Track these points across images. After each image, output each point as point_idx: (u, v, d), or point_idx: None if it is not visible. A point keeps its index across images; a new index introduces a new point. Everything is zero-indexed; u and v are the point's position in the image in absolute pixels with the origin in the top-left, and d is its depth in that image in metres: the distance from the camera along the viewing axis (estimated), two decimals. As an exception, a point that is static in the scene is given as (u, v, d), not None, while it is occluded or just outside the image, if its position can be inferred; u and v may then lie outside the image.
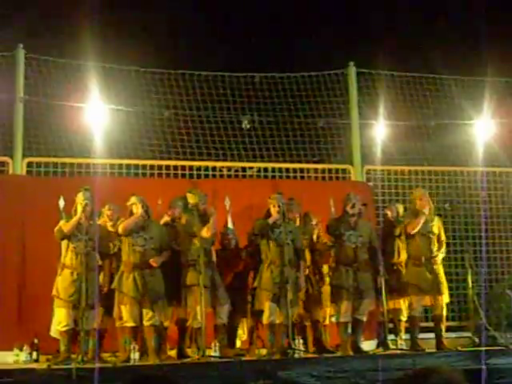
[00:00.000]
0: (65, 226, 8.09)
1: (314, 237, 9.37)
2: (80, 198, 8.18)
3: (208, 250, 8.44)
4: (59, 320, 7.97)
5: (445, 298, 9.05)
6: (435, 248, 9.04)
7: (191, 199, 8.60)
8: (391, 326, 9.31)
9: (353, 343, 8.64)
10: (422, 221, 8.91)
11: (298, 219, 9.24)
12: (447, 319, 11.17)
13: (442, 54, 13.01)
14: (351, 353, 8.47)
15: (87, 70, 10.57)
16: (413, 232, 8.91)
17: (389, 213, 9.59)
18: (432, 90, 12.29)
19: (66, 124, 10.33)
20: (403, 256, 9.19)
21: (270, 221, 8.58)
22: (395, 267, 9.23)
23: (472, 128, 11.80)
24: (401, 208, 9.88)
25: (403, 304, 9.18)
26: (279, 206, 8.56)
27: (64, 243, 8.13)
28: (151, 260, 8.11)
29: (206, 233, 8.33)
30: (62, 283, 7.98)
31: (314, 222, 9.39)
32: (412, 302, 8.92)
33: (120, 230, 8.17)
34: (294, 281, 8.46)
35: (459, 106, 12.06)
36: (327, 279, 9.11)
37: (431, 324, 9.23)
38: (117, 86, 10.77)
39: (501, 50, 12.61)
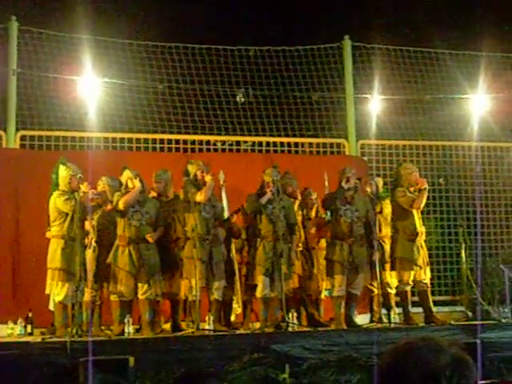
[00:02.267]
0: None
1: (313, 211, 9.37)
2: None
3: (207, 224, 8.41)
4: (63, 292, 7.93)
5: (429, 272, 9.12)
6: (421, 222, 9.10)
7: (190, 169, 8.57)
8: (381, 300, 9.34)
9: (346, 317, 8.68)
10: (426, 197, 8.99)
11: (298, 193, 9.22)
12: (440, 294, 11.27)
13: (437, 27, 12.98)
14: (345, 326, 8.50)
15: (81, 42, 10.49)
16: (420, 209, 8.98)
17: (368, 189, 9.43)
18: (427, 64, 12.24)
19: (60, 97, 10.27)
20: (385, 231, 9.19)
21: (263, 200, 8.56)
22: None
23: (467, 102, 11.78)
24: (380, 182, 9.81)
25: (389, 278, 9.18)
26: (273, 182, 8.54)
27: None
28: (147, 235, 8.11)
29: (199, 196, 8.28)
30: (61, 255, 7.95)
31: (313, 197, 9.38)
32: (404, 276, 8.92)
33: (121, 206, 8.12)
34: (287, 255, 8.48)
35: (454, 81, 12.02)
36: (323, 253, 9.11)
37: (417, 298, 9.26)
38: (110, 59, 10.70)
39: (496, 24, 12.58)
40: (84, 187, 8.00)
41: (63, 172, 8.15)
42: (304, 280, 9.16)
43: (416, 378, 1.78)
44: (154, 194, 8.78)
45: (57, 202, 8.05)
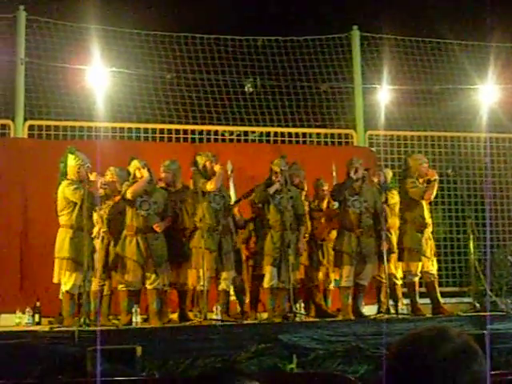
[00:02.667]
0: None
1: (325, 202, 9.36)
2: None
3: (216, 214, 8.40)
4: (71, 282, 7.94)
5: (436, 263, 9.12)
6: (429, 214, 9.09)
7: (199, 160, 8.57)
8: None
9: (354, 307, 8.67)
10: (436, 188, 8.98)
11: (305, 184, 9.21)
12: (448, 285, 11.26)
13: (446, 18, 12.90)
14: (352, 317, 8.50)
15: (89, 32, 10.48)
16: (430, 200, 8.98)
17: (376, 180, 9.40)
18: (436, 54, 12.20)
19: (68, 87, 10.27)
20: (392, 222, 9.17)
21: (271, 190, 8.55)
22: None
23: (476, 93, 11.73)
24: (390, 173, 9.76)
25: (394, 269, 9.16)
26: (281, 172, 8.54)
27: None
28: (155, 225, 8.12)
29: (210, 185, 8.28)
30: (70, 245, 7.96)
31: (325, 188, 9.38)
32: (411, 267, 8.91)
33: (129, 195, 8.13)
34: (294, 245, 8.48)
35: (463, 71, 11.97)
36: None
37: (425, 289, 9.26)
38: (118, 49, 10.69)
39: (506, 15, 12.49)
40: (93, 177, 8.00)
41: (72, 161, 8.15)
42: (311, 270, 9.16)
43: (420, 366, 1.77)
44: (162, 184, 8.78)
45: (65, 192, 8.05)
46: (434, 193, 9.04)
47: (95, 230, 8.41)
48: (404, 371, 1.79)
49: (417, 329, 1.88)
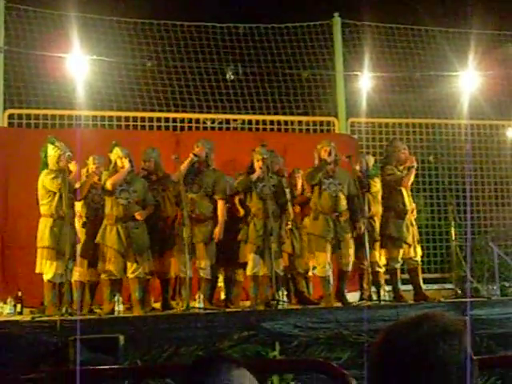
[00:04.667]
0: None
1: (299, 188, 9.34)
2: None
3: (193, 203, 8.37)
4: (52, 271, 7.90)
5: (419, 250, 9.15)
6: (411, 200, 9.11)
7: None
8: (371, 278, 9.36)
9: (337, 293, 8.69)
10: (413, 175, 9.00)
11: (285, 172, 9.18)
12: (430, 271, 11.31)
13: (427, 5, 12.92)
14: (334, 304, 8.52)
15: (68, 20, 10.39)
16: (408, 187, 8.99)
17: (357, 167, 9.38)
18: (417, 41, 12.21)
19: (48, 75, 10.19)
20: (374, 209, 9.18)
21: (253, 177, 8.54)
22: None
23: (457, 80, 11.75)
24: (371, 160, 9.73)
25: (378, 256, 9.19)
26: (263, 160, 8.51)
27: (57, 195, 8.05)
28: (136, 213, 8.09)
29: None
30: (50, 234, 7.92)
31: (297, 175, 9.36)
32: (393, 254, 8.94)
33: (109, 186, 8.08)
34: (277, 233, 8.46)
35: (444, 58, 11.99)
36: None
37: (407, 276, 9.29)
38: (98, 37, 10.62)
39: (486, 1, 12.53)
40: (72, 166, 7.96)
41: (51, 151, 8.11)
42: (293, 258, 9.16)
43: (399, 348, 1.78)
44: (144, 172, 8.73)
45: (44, 181, 8.02)
46: (411, 179, 9.05)
47: (77, 219, 8.37)
48: (388, 352, 1.79)
49: (406, 317, 1.89)
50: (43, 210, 8.03)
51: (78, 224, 8.36)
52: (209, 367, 1.96)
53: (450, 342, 1.78)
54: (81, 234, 8.40)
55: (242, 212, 8.72)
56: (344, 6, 12.07)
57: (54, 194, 7.98)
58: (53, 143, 8.14)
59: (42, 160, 8.22)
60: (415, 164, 9.04)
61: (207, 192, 8.46)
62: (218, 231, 8.36)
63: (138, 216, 8.09)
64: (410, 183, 9.08)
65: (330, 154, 8.69)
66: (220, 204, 8.51)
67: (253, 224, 8.50)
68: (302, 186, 9.31)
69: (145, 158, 8.77)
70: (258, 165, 8.56)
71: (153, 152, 8.79)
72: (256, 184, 8.56)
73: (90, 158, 8.66)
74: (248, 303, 8.77)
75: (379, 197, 9.26)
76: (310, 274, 9.31)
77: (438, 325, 1.80)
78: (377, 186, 9.27)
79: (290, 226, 9.03)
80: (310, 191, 9.01)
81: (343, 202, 8.67)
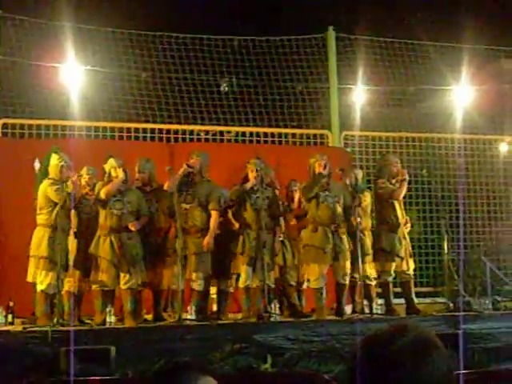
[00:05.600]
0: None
1: (296, 203, 9.34)
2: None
3: (187, 214, 8.36)
4: (47, 281, 7.88)
5: (412, 263, 9.15)
6: (403, 214, 9.12)
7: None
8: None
9: (337, 307, 8.69)
10: (405, 188, 9.02)
11: (276, 184, 9.18)
12: (422, 285, 11.31)
13: (421, 19, 12.99)
14: (326, 316, 8.51)
15: (63, 30, 10.40)
16: (399, 200, 9.00)
17: (348, 181, 9.37)
18: (411, 55, 12.26)
19: (42, 85, 10.19)
20: (365, 223, 9.18)
21: (247, 186, 8.54)
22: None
23: (450, 94, 11.81)
24: (360, 174, 9.73)
25: (369, 270, 9.19)
26: (257, 172, 8.53)
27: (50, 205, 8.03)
28: (130, 224, 8.07)
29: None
30: (48, 244, 7.90)
31: (294, 188, 9.36)
32: (385, 267, 8.94)
33: (102, 196, 8.07)
34: (270, 245, 8.46)
35: (438, 72, 12.04)
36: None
37: (399, 289, 9.29)
38: (93, 48, 10.64)
39: (480, 16, 12.61)
40: (74, 177, 7.98)
41: (55, 161, 8.10)
42: (285, 270, 9.14)
43: (379, 359, 1.78)
44: (138, 183, 8.72)
45: (47, 191, 7.99)
46: (403, 192, 9.06)
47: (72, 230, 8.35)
48: (366, 366, 1.80)
49: (384, 328, 1.90)
50: (42, 219, 8.00)
51: (71, 235, 8.33)
52: (175, 375, 1.95)
53: (427, 355, 1.78)
54: (73, 244, 8.36)
55: (236, 225, 8.71)
56: (338, 20, 12.16)
57: (55, 204, 7.96)
58: (56, 153, 8.13)
59: (43, 168, 8.22)
60: (407, 177, 9.06)
61: (201, 203, 8.45)
62: (207, 241, 8.30)
63: (131, 227, 8.07)
64: (402, 196, 9.10)
65: (324, 167, 8.71)
66: (213, 215, 8.49)
67: (246, 235, 8.51)
68: (299, 198, 9.31)
69: (139, 170, 8.75)
70: (252, 175, 8.57)
71: (147, 163, 8.77)
72: (250, 195, 8.57)
73: (84, 169, 8.63)
74: (240, 315, 8.75)
75: (369, 210, 9.28)
76: (305, 286, 9.31)
77: (414, 337, 1.80)
78: (366, 199, 9.29)
79: (281, 238, 9.03)
80: (306, 204, 9.03)
81: (340, 214, 8.69)
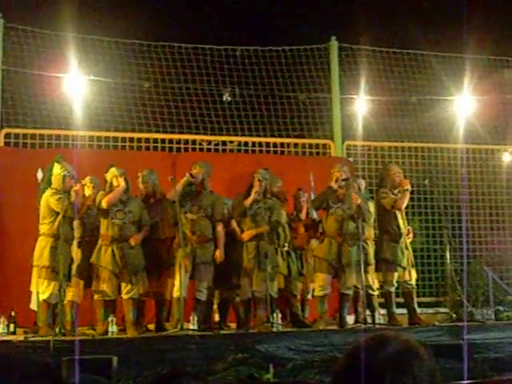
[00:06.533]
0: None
1: (304, 212, 9.34)
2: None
3: (193, 225, 8.36)
4: (49, 291, 7.88)
5: (414, 273, 9.13)
6: (406, 223, 9.11)
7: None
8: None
9: (340, 317, 8.68)
10: (408, 198, 9.00)
11: (284, 194, 9.18)
12: (424, 295, 11.29)
13: (423, 29, 13.01)
14: (327, 326, 8.51)
15: (66, 40, 10.44)
16: (402, 209, 8.98)
17: (351, 190, 9.36)
18: (413, 65, 12.28)
19: (45, 95, 10.22)
20: (367, 233, 9.18)
21: (247, 203, 8.53)
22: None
23: (452, 104, 11.82)
24: (362, 184, 9.74)
25: (372, 280, 9.18)
26: (259, 181, 8.53)
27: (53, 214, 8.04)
28: (131, 238, 8.06)
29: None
30: (50, 254, 7.90)
31: (303, 199, 9.36)
32: (388, 277, 8.92)
33: (104, 205, 8.06)
34: (272, 255, 8.45)
35: (440, 82, 12.06)
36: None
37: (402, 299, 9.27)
38: (96, 58, 10.67)
39: (482, 27, 12.62)
40: (77, 187, 7.99)
41: (58, 170, 8.10)
42: (289, 280, 9.14)
43: (356, 377, 1.77)
44: (141, 195, 8.70)
45: (50, 201, 7.99)
46: (406, 202, 9.05)
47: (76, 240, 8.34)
48: (349, 379, 1.79)
49: (367, 338, 1.89)
50: (44, 229, 8.00)
51: (75, 244, 8.33)
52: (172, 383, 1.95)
53: (410, 364, 1.78)
54: (76, 254, 8.36)
55: (240, 235, 8.70)
56: (341, 30, 12.16)
57: (57, 214, 7.96)
58: (59, 162, 8.13)
59: (45, 178, 8.22)
60: (409, 187, 9.05)
61: (206, 213, 8.45)
62: (219, 253, 8.35)
63: (132, 241, 8.06)
64: (404, 206, 9.08)
65: (336, 180, 8.73)
66: (219, 227, 8.50)
67: (245, 246, 8.53)
68: (307, 208, 9.32)
69: (143, 181, 8.73)
70: (255, 185, 8.58)
71: (151, 175, 8.76)
72: (251, 206, 8.57)
73: (87, 179, 8.61)
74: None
75: (371, 220, 9.27)
76: (309, 296, 9.31)
77: (395, 348, 1.80)
78: (369, 209, 9.28)
79: (286, 248, 9.02)
80: (316, 214, 9.06)
81: (350, 226, 8.67)
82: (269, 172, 8.84)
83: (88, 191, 8.52)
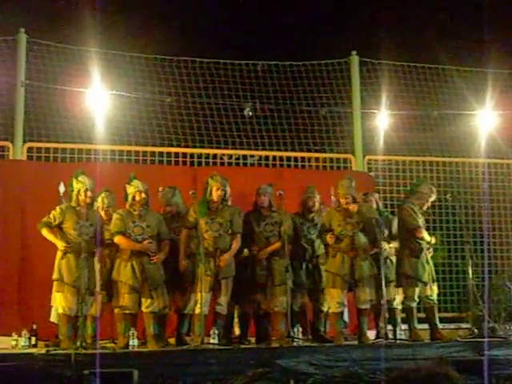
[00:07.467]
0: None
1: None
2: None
3: (217, 238, 8.38)
4: (62, 304, 7.92)
5: (436, 289, 9.07)
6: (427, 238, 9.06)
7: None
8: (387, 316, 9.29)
9: (359, 332, 8.64)
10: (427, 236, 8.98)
11: (318, 207, 9.20)
12: (446, 310, 11.21)
13: (444, 44, 13.00)
14: (342, 342, 8.49)
15: (89, 55, 10.54)
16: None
17: (372, 205, 9.35)
18: (434, 80, 12.26)
19: (68, 109, 10.30)
20: (388, 249, 9.14)
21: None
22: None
23: (474, 119, 11.76)
24: (377, 197, 9.71)
25: (393, 295, 9.14)
26: (259, 196, 8.74)
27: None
28: (154, 258, 8.07)
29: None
30: (66, 267, 7.95)
31: (324, 214, 9.35)
32: (409, 292, 8.87)
33: (115, 240, 8.13)
34: (283, 270, 8.41)
35: (462, 97, 12.02)
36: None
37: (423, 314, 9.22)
38: (119, 72, 10.75)
39: (504, 41, 12.59)
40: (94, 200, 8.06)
41: (75, 185, 8.17)
42: (311, 294, 9.12)
43: None
44: (167, 216, 8.73)
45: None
46: (426, 237, 8.98)
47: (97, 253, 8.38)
48: None
49: (404, 368, 1.88)
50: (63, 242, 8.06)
51: (95, 258, 8.36)
52: None
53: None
54: (97, 268, 8.38)
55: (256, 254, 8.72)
56: (362, 45, 12.18)
57: (75, 228, 8.03)
58: (77, 177, 8.18)
59: (67, 192, 8.31)
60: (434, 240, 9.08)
61: (226, 229, 8.45)
62: (225, 257, 8.29)
63: (155, 260, 8.08)
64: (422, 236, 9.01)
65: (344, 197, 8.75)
66: (237, 237, 8.51)
67: (257, 262, 8.57)
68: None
69: (167, 203, 8.80)
70: (259, 200, 8.70)
71: (173, 197, 8.83)
72: (258, 222, 8.62)
73: (103, 194, 8.67)
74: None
75: (386, 235, 9.21)
76: (329, 310, 9.28)
77: (423, 371, 1.80)
78: (386, 224, 9.24)
79: (314, 262, 9.03)
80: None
81: (361, 241, 8.65)
82: (268, 186, 8.86)
83: (101, 205, 8.58)
